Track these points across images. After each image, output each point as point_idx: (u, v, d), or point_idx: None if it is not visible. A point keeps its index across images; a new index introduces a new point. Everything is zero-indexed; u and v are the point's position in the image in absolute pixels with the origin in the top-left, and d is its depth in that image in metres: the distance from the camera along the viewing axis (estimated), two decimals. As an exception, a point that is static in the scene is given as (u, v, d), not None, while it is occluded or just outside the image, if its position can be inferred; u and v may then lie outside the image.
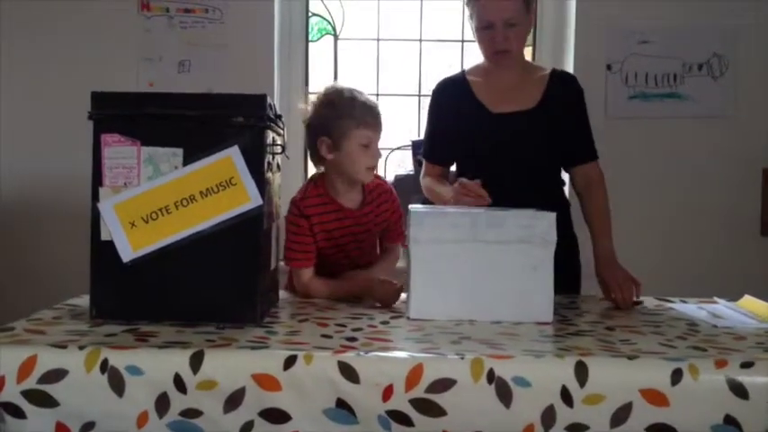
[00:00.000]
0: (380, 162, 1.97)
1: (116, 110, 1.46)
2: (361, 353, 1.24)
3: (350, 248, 1.87)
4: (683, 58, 2.78)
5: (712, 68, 2.79)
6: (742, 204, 2.81)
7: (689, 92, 2.79)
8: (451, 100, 2.09)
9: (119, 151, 1.45)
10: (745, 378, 1.20)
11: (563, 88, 2.07)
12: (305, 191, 1.84)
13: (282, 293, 1.82)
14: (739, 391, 1.19)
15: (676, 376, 1.20)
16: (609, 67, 2.74)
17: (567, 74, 2.16)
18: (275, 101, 2.92)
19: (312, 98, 1.86)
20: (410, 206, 1.65)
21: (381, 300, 1.69)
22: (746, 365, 1.21)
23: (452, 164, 2.16)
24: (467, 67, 2.18)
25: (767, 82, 2.81)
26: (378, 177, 1.90)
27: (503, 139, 1.99)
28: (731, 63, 2.79)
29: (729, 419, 1.19)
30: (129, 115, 1.46)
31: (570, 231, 2.11)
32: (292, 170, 3.00)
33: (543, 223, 1.57)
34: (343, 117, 1.75)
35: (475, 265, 1.55)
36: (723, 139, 2.80)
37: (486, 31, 1.98)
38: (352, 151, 1.76)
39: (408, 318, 1.56)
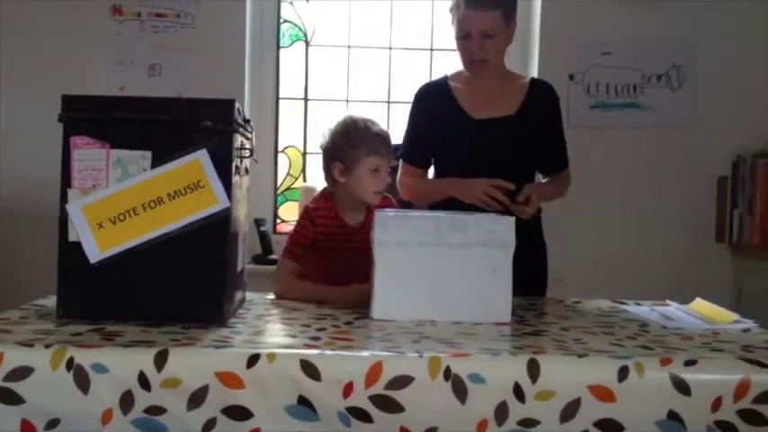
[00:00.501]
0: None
1: (86, 113, 1.48)
2: (323, 351, 1.28)
3: (347, 257, 1.93)
4: (643, 70, 2.87)
5: (671, 80, 2.88)
6: (698, 211, 2.91)
7: (648, 102, 2.88)
8: (433, 104, 2.13)
9: (88, 154, 1.47)
10: (688, 375, 1.26)
11: (542, 97, 2.13)
12: (317, 201, 1.99)
13: (251, 294, 1.85)
14: (682, 387, 1.25)
15: (623, 373, 1.25)
16: (571, 77, 2.81)
17: (546, 83, 2.21)
18: (246, 106, 2.95)
19: (329, 125, 1.99)
20: (375, 210, 1.70)
21: (353, 303, 1.73)
22: (690, 363, 1.27)
23: (430, 167, 2.20)
24: (449, 72, 2.23)
25: (723, 93, 2.91)
26: (385, 197, 2.01)
27: (482, 144, 2.05)
28: (689, 75, 2.88)
29: (673, 415, 1.25)
30: (98, 118, 1.48)
31: (540, 237, 2.19)
32: (261, 174, 3.03)
33: (503, 227, 1.62)
34: (356, 146, 1.90)
35: (437, 268, 1.60)
36: (680, 149, 2.89)
37: (464, 40, 2.03)
38: (362, 176, 1.91)
39: (372, 318, 1.60)
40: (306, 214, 1.97)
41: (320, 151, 2.00)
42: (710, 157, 2.90)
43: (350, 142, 1.90)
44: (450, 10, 2.07)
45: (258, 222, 2.93)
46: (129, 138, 1.47)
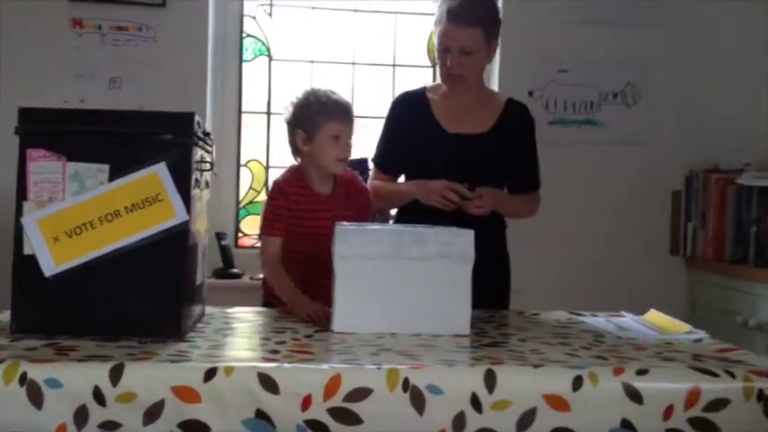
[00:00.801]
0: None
1: (42, 125, 1.47)
2: (281, 364, 1.28)
3: (317, 234, 1.93)
4: (600, 87, 2.94)
5: (626, 97, 2.96)
6: (653, 225, 2.97)
7: (604, 119, 2.95)
8: (409, 114, 2.15)
9: (44, 166, 1.46)
10: (641, 384, 1.28)
11: (516, 117, 2.15)
12: (285, 175, 2.01)
13: (211, 308, 1.84)
14: (635, 396, 1.28)
15: (577, 383, 1.27)
16: (530, 94, 2.87)
17: (522, 105, 2.23)
18: (208, 120, 2.94)
19: (291, 98, 2.01)
20: (336, 223, 1.71)
21: (310, 318, 1.73)
22: (642, 372, 1.30)
23: (400, 175, 2.22)
24: (428, 83, 2.25)
25: (676, 110, 2.99)
26: (354, 176, 2.05)
27: (455, 158, 2.06)
28: (643, 92, 2.96)
29: (626, 423, 1.27)
30: (55, 131, 1.47)
31: (504, 251, 2.21)
32: (224, 188, 3.02)
33: (462, 240, 1.64)
34: (317, 113, 1.93)
35: (397, 281, 1.61)
36: (636, 164, 2.96)
37: (443, 53, 2.06)
38: (323, 143, 1.93)
39: (332, 331, 1.60)
40: (276, 187, 1.98)
41: (285, 125, 2.02)
42: (664, 172, 2.97)
43: (310, 109, 1.94)
44: (435, 23, 2.09)
45: (219, 236, 2.91)
46: (86, 151, 1.46)
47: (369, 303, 1.61)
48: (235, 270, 2.90)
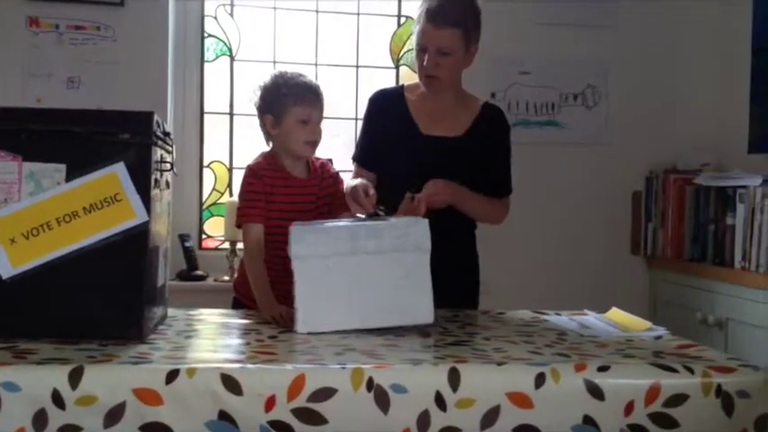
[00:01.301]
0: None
1: (-3, 125, 1.43)
2: (245, 365, 1.27)
3: (294, 218, 1.87)
4: (560, 89, 2.98)
5: (586, 99, 3.00)
6: (614, 225, 3.02)
7: (565, 120, 2.98)
8: (386, 112, 2.14)
9: (-1, 167, 1.42)
10: (602, 381, 1.30)
11: (491, 122, 2.15)
12: (258, 159, 1.98)
13: (174, 311, 1.81)
14: (596, 392, 1.30)
15: (540, 380, 1.29)
16: (493, 95, 2.89)
17: (497, 109, 2.22)
18: (169, 120, 2.90)
19: (259, 82, 1.99)
20: (292, 226, 1.67)
21: (274, 320, 1.72)
22: (603, 369, 1.32)
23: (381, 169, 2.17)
24: (406, 82, 2.24)
25: (635, 111, 3.04)
26: (326, 162, 2.04)
27: (428, 160, 2.04)
28: (603, 94, 3.00)
29: (588, 419, 1.29)
30: (10, 130, 1.43)
31: (473, 252, 2.21)
32: (186, 189, 2.99)
33: (417, 230, 1.64)
34: (284, 96, 1.91)
35: (356, 276, 1.61)
36: (597, 165, 3.01)
37: (421, 53, 2.04)
38: (291, 126, 1.91)
39: (296, 332, 1.59)
40: (250, 172, 1.95)
41: (255, 112, 2.00)
42: (625, 173, 3.02)
43: (278, 93, 1.93)
44: (415, 22, 2.08)
45: (183, 238, 2.88)
46: (42, 150, 1.43)
47: (331, 301, 1.60)
48: (199, 272, 2.87)
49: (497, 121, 2.18)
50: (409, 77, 2.81)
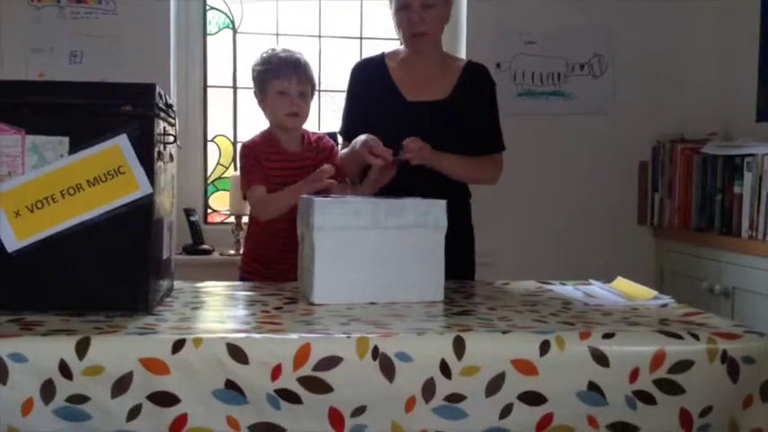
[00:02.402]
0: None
1: (-1, 98, 1.43)
2: (250, 335, 1.28)
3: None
4: (567, 59, 2.95)
5: (593, 68, 2.97)
6: (620, 195, 3.01)
7: (572, 90, 2.96)
8: (368, 81, 2.13)
9: (2, 140, 1.42)
10: (607, 348, 1.30)
11: (475, 80, 2.12)
12: (254, 137, 2.07)
13: (180, 283, 1.82)
14: (601, 359, 1.30)
15: (544, 348, 1.29)
16: (498, 66, 2.86)
17: (481, 66, 2.19)
18: (173, 94, 2.89)
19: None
20: (314, 198, 1.67)
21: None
22: (608, 336, 1.32)
23: None
24: (387, 50, 2.22)
25: (642, 81, 3.01)
26: (322, 136, 2.12)
27: (414, 126, 2.02)
28: (610, 63, 2.97)
29: (592, 386, 1.29)
30: (12, 104, 1.43)
31: (468, 222, 2.21)
32: (191, 163, 2.98)
33: (437, 210, 1.66)
34: (266, 71, 2.01)
35: (375, 251, 1.62)
36: (603, 135, 2.98)
37: (403, 12, 2.03)
38: (272, 99, 2.01)
39: (312, 303, 1.60)
40: (244, 147, 2.04)
41: None
42: (631, 143, 3.00)
43: (261, 68, 2.02)
44: None
45: (188, 212, 2.88)
46: (45, 123, 1.43)
47: (348, 274, 1.61)
48: (205, 246, 2.88)
49: (481, 79, 2.15)
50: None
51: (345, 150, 2.12)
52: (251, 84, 2.09)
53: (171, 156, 1.66)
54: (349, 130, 2.16)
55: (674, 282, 2.86)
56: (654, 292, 1.77)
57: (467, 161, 2.12)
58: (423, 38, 2.04)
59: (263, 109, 2.06)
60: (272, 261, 2.00)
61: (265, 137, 2.05)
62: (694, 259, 2.76)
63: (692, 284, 2.71)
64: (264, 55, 2.04)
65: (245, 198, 2.07)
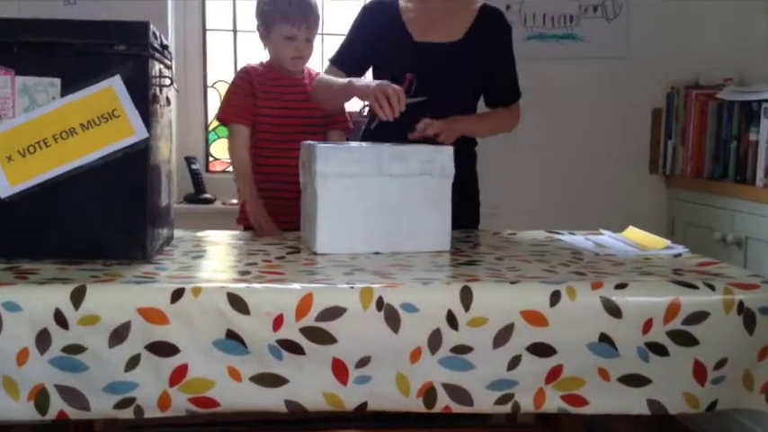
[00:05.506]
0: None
1: (-13, 38, 1.37)
2: (251, 285, 1.24)
3: (294, 125, 1.99)
4: (579, 0, 2.84)
5: (606, 10, 2.86)
6: (632, 143, 2.93)
7: (584, 33, 2.85)
8: (378, 19, 2.03)
9: (-9, 82, 1.36)
10: (619, 298, 1.26)
11: (491, 24, 2.03)
12: (256, 64, 2.05)
13: (180, 232, 1.78)
14: (613, 310, 1.26)
15: (555, 298, 1.25)
16: (508, 8, 2.76)
17: (496, 10, 2.10)
18: (171, 38, 2.81)
19: None
20: (316, 144, 1.61)
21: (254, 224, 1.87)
22: (620, 287, 1.28)
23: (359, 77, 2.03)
24: None
25: (657, 25, 2.90)
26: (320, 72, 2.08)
27: (422, 68, 1.91)
28: (624, 5, 2.86)
29: (604, 337, 1.26)
30: (1, 43, 1.37)
31: (473, 170, 2.14)
32: (191, 110, 2.92)
33: (443, 157, 1.62)
34: (273, 11, 1.97)
35: (379, 198, 1.58)
36: (616, 80, 2.89)
37: None
38: (277, 42, 1.98)
39: (314, 253, 1.56)
40: (242, 72, 2.02)
41: None
42: (645, 89, 2.91)
43: (269, 5, 1.98)
44: None
45: (189, 160, 2.82)
46: (35, 64, 1.37)
47: (351, 222, 1.57)
48: (206, 195, 2.83)
49: (497, 24, 2.05)
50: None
51: (339, 80, 1.95)
52: (252, 25, 2.01)
53: (168, 100, 1.60)
54: (344, 60, 2.03)
55: (686, 232, 2.81)
56: (666, 242, 1.72)
57: (485, 121, 2.07)
58: None
59: (265, 44, 2.03)
60: (272, 212, 1.94)
61: (264, 64, 2.05)
62: (707, 208, 2.70)
63: (704, 234, 2.66)
64: None
65: (221, 121, 2.05)
